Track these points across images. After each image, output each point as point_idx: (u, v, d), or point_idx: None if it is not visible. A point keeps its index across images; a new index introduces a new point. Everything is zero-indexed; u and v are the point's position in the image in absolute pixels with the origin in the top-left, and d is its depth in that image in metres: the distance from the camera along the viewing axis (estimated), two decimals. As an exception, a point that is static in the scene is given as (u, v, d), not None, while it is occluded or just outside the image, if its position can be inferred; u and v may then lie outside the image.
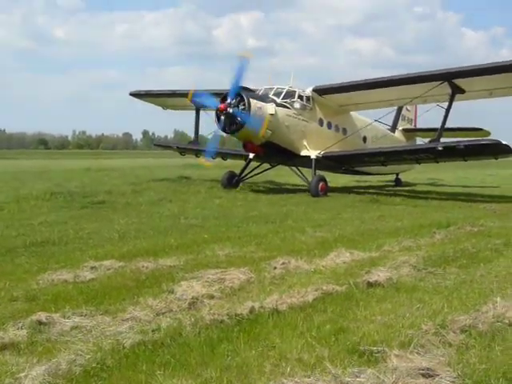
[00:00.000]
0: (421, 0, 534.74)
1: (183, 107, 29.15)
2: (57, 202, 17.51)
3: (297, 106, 22.50)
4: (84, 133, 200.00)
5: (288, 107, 22.08)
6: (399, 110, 30.83)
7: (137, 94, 30.39)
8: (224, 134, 22.05)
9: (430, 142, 22.61)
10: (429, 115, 28.85)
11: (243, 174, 24.56)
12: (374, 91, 22.47)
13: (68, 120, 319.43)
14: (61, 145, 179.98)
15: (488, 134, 30.04)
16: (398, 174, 31.32)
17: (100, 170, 38.21)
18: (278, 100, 21.88)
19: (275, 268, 8.60)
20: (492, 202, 20.27)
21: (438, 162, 22.72)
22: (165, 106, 31.47)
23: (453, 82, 20.63)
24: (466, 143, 20.26)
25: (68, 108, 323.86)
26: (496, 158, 21.36)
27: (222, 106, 20.11)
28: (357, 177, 30.84)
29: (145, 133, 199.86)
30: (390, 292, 7.45)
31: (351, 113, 25.81)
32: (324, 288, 7.35)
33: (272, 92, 22.28)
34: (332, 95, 23.46)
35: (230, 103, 20.12)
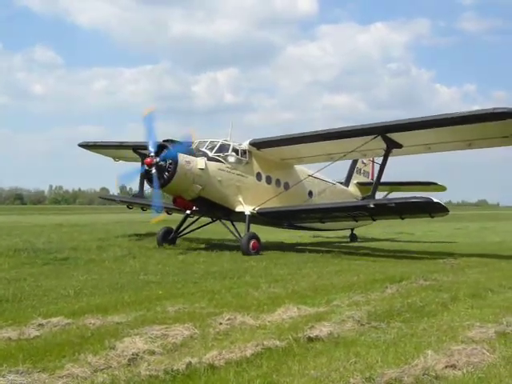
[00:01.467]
0: (395, 56, 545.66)
1: (134, 159, 27.58)
2: (20, 258, 17.52)
3: (231, 159, 22.02)
4: (61, 188, 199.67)
5: (221, 161, 21.60)
6: (354, 163, 30.61)
7: (85, 145, 29.91)
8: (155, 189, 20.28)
9: (363, 198, 22.70)
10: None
11: (180, 230, 23.62)
12: (311, 145, 22.27)
13: (44, 175, 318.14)
14: (37, 200, 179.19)
15: (442, 188, 29.82)
16: (352, 230, 30.49)
17: (72, 226, 38.26)
18: (211, 154, 21.42)
19: (220, 324, 8.75)
20: (453, 255, 20.62)
21: (374, 220, 22.32)
22: (116, 158, 30.74)
23: (387, 136, 20.40)
24: (397, 201, 20.00)
25: (44, 163, 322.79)
26: (432, 217, 20.79)
27: (147, 160, 19.57)
28: (318, 232, 29.81)
29: (122, 187, 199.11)
30: (329, 346, 7.65)
31: (298, 166, 25.26)
32: (265, 343, 7.53)
33: (205, 146, 21.81)
34: (270, 149, 23.06)
35: (156, 157, 19.53)
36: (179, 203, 21.51)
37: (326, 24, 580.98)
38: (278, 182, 23.71)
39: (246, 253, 19.56)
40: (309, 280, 14.01)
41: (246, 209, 21.76)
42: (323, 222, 23.26)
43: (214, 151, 21.52)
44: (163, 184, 19.73)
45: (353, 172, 30.85)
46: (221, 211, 22.31)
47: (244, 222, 22.09)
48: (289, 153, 23.41)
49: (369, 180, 31.47)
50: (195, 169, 20.27)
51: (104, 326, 8.62)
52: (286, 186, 24.05)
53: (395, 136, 20.35)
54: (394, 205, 19.29)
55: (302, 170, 25.41)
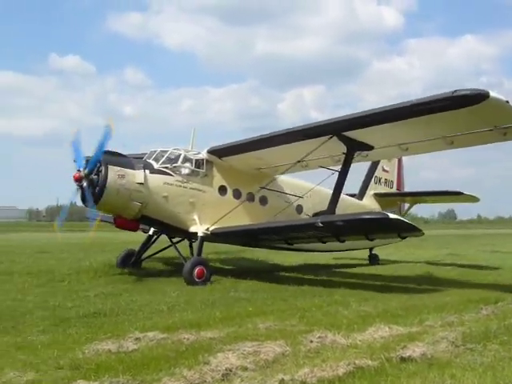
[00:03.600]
0: (486, 69, 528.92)
1: None
2: (114, 274, 18.21)
3: (184, 171, 18.46)
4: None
5: (169, 174, 18.09)
6: (370, 170, 26.45)
7: None
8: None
9: (314, 215, 19.44)
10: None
11: (143, 252, 20.44)
12: (276, 149, 18.09)
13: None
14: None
15: (473, 199, 25.16)
16: (371, 250, 26.32)
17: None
18: (156, 165, 18.01)
19: (311, 341, 8.79)
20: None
21: (341, 241, 17.65)
22: None
23: (344, 135, 16.76)
24: (346, 218, 16.43)
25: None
26: (401, 238, 17.39)
27: (76, 174, 16.57)
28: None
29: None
30: (423, 368, 7.52)
31: (284, 177, 21.09)
32: (356, 362, 7.50)
33: (153, 156, 18.47)
34: (232, 157, 19.08)
35: (85, 172, 16.59)
36: (120, 223, 18.19)
37: (412, 38, 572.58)
38: (250, 196, 19.64)
39: (189, 282, 16.22)
40: (399, 299, 13.80)
41: (200, 229, 18.06)
42: (291, 244, 19.12)
43: (160, 162, 18.14)
44: (94, 201, 16.61)
45: (369, 181, 26.35)
46: (174, 231, 19.20)
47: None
48: (254, 161, 19.48)
49: (392, 190, 27.36)
50: (131, 183, 17.09)
51: (198, 341, 8.84)
52: (263, 201, 20.26)
53: (356, 135, 16.71)
54: (341, 223, 15.89)
55: (289, 181, 21.47)
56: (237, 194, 19.49)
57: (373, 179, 26.32)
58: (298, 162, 18.50)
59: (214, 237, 18.44)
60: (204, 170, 18.85)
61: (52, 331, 9.62)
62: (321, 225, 15.84)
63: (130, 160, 17.78)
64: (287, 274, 19.94)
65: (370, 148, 17.43)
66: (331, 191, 21.05)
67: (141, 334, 9.12)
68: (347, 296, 14.25)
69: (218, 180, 19.21)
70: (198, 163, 18.81)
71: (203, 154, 19.10)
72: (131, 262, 19.78)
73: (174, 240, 19.96)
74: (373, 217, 15.77)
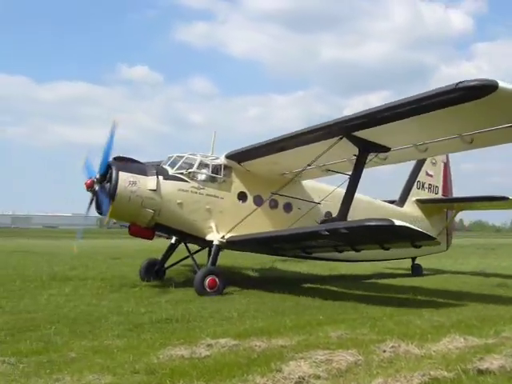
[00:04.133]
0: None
1: None
2: (184, 280, 18.48)
3: (200, 177, 17.77)
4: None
5: (184, 180, 17.44)
6: (413, 175, 25.05)
7: None
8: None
9: (322, 222, 18.00)
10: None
11: (166, 261, 19.79)
12: (290, 153, 17.06)
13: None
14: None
15: None
16: (414, 260, 24.74)
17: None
18: (171, 171, 17.45)
19: (384, 351, 8.67)
20: None
21: (357, 251, 16.61)
22: None
23: (355, 135, 15.54)
24: (350, 225, 15.01)
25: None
26: (416, 246, 15.19)
27: (87, 181, 16.46)
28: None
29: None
30: (502, 381, 7.31)
31: (310, 182, 20.11)
32: (431, 373, 7.36)
33: (169, 162, 17.93)
34: (251, 161, 18.06)
35: (96, 178, 16.42)
36: (134, 231, 17.69)
37: (482, 42, 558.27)
38: (273, 203, 18.92)
39: (200, 292, 15.57)
40: (473, 309, 13.46)
41: (216, 237, 17.29)
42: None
43: (175, 168, 17.55)
44: (105, 208, 16.27)
45: (411, 187, 24.73)
46: (192, 239, 18.56)
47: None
48: (272, 166, 18.39)
49: (437, 196, 25.50)
50: (143, 190, 16.61)
51: (269, 348, 8.87)
52: (287, 208, 19.27)
53: (367, 135, 15.45)
54: (345, 230, 14.62)
55: (317, 186, 20.26)
56: (258, 201, 18.45)
57: (415, 184, 24.80)
58: (308, 165, 17.41)
59: (230, 245, 17.74)
60: (222, 176, 18.12)
61: (127, 336, 9.83)
62: (326, 233, 14.93)
63: (143, 166, 17.33)
64: (353, 283, 19.71)
65: (385, 149, 16.24)
66: (367, 198, 21.35)
67: (212, 340, 9.21)
68: (418, 305, 14.02)
69: (238, 186, 18.39)
70: (216, 169, 18.12)
71: (221, 160, 18.37)
72: (155, 272, 19.23)
73: (197, 249, 19.50)
74: (377, 224, 14.23)
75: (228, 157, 18.25)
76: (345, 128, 15.16)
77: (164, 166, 17.61)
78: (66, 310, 12.48)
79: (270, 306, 13.44)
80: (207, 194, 17.69)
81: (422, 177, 25.09)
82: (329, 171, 19.05)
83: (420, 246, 15.25)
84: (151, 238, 18.34)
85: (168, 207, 17.02)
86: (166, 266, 19.71)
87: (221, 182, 18.06)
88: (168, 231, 18.38)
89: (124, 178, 16.33)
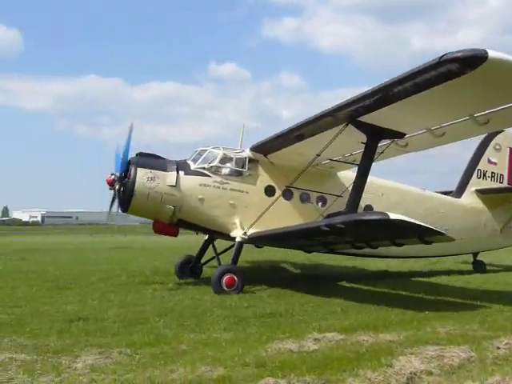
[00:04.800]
0: None
1: None
2: (282, 274, 18.62)
3: (224, 171, 17.10)
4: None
5: (206, 174, 16.82)
6: (473, 162, 22.65)
7: None
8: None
9: (327, 217, 16.08)
10: None
11: (201, 258, 19.06)
12: (309, 142, 15.82)
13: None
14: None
15: None
16: (475, 255, 22.30)
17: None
18: (193, 166, 16.92)
19: (498, 348, 8.38)
20: None
21: (372, 247, 14.92)
22: None
23: (360, 121, 14.15)
24: (346, 219, 13.41)
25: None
26: (425, 242, 13.36)
27: (108, 179, 16.40)
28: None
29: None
30: None
31: (346, 173, 18.45)
32: (552, 371, 7.04)
33: (193, 156, 17.36)
34: (277, 153, 17.12)
35: (116, 176, 16.25)
36: (158, 228, 17.35)
37: None
38: (304, 197, 17.71)
39: (218, 291, 14.90)
40: None
41: (238, 233, 16.46)
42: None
43: (198, 162, 16.99)
44: (125, 207, 16.37)
45: (470, 176, 22.22)
46: (219, 235, 17.89)
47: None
48: (297, 157, 16.98)
49: (502, 185, 22.60)
50: (162, 186, 16.30)
51: (377, 343, 8.78)
52: (321, 202, 17.92)
53: (375, 119, 13.91)
54: (343, 225, 13.34)
55: (352, 176, 17.79)
56: (288, 195, 17.26)
57: (475, 173, 22.22)
58: (318, 155, 15.84)
59: (253, 241, 17.04)
60: (247, 170, 17.30)
61: (233, 329, 10.02)
62: (326, 228, 13.82)
63: (164, 161, 16.91)
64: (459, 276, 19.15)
65: (399, 135, 14.64)
66: (416, 189, 19.83)
67: (319, 334, 9.24)
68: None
69: (265, 179, 17.38)
70: (240, 162, 17.34)
71: (246, 153, 17.56)
72: (189, 269, 18.72)
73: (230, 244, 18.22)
74: (369, 218, 13.12)
75: (253, 149, 17.47)
76: (348, 113, 13.87)
77: (187, 161, 17.11)
78: (172, 304, 12.84)
79: (375, 300, 13.28)
80: (231, 189, 16.99)
81: (483, 165, 22.52)
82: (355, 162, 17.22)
83: (431, 242, 13.48)
84: (175, 235, 17.73)
85: (189, 203, 16.56)
86: (201, 262, 19.05)
87: (246, 176, 17.25)
88: (192, 227, 17.83)
89: (142, 174, 16.14)
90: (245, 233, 16.31)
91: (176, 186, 16.40)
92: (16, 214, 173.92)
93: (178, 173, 16.53)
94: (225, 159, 17.17)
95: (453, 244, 15.26)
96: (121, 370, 7.26)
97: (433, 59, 10.60)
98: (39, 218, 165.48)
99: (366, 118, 13.83)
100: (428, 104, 12.61)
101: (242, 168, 17.26)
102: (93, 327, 10.14)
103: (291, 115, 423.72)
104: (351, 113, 13.71)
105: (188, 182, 16.59)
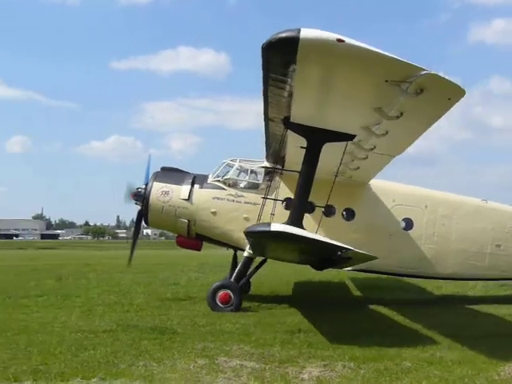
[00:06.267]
0: None
1: None
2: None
3: (240, 184, 16.41)
4: None
5: (221, 187, 16.24)
6: None
7: None
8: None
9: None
10: None
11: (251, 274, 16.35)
12: None
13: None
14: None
15: None
16: None
17: None
18: (210, 178, 16.43)
19: None
20: None
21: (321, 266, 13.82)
22: None
23: (294, 123, 12.54)
24: (248, 230, 12.55)
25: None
26: (345, 260, 11.83)
27: (131, 194, 16.68)
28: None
29: None
30: None
31: (380, 182, 16.68)
32: None
33: (215, 168, 16.81)
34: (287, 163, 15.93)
35: (138, 190, 16.59)
36: (180, 242, 17.17)
37: None
38: (329, 209, 15.65)
39: (212, 307, 14.27)
40: None
41: (247, 248, 15.11)
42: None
43: (214, 175, 16.54)
44: (146, 220, 16.76)
45: None
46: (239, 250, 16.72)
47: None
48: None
49: None
50: (176, 200, 16.20)
51: None
52: (349, 215, 16.37)
53: (306, 120, 12.48)
54: (249, 237, 12.97)
55: (394, 188, 16.93)
56: (309, 208, 15.14)
57: None
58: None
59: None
60: (263, 181, 16.38)
61: (458, 349, 9.66)
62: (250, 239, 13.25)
63: (181, 175, 16.76)
64: None
65: (348, 137, 12.50)
66: (474, 200, 17.21)
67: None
68: None
69: (283, 192, 16.02)
70: (257, 174, 16.66)
71: (264, 163, 16.59)
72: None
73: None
74: (254, 229, 12.15)
75: (269, 160, 16.51)
76: (282, 116, 12.58)
77: (207, 174, 16.75)
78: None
79: None
80: (245, 202, 16.19)
81: None
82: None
83: (349, 259, 11.96)
84: (198, 249, 17.33)
85: (201, 217, 16.22)
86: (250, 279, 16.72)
87: (263, 188, 16.08)
88: (210, 241, 17.15)
89: (157, 189, 16.26)
90: None
91: (189, 199, 16.27)
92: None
93: (192, 186, 16.36)
94: (240, 171, 16.74)
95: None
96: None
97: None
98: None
99: (299, 119, 12.46)
100: (332, 99, 11.02)
101: (258, 180, 16.60)
102: (314, 339, 10.36)
103: (503, 123, 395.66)
104: (285, 115, 12.45)
105: (201, 195, 16.34)
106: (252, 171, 16.69)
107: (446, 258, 16.01)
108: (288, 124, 12.70)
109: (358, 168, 14.87)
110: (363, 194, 16.55)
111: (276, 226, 11.38)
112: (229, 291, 14.55)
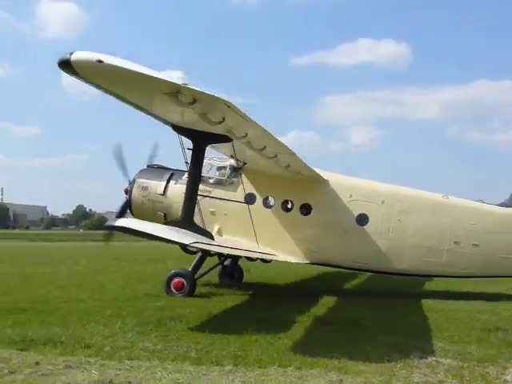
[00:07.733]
0: None
1: None
2: None
3: (209, 180, 17.18)
4: None
5: None
6: None
7: None
8: None
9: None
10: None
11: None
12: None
13: None
14: None
15: None
16: None
17: None
18: (186, 175, 16.11)
19: None
20: None
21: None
22: None
23: (177, 126, 13.24)
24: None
25: None
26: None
27: (124, 189, 18.22)
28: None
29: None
30: None
31: (338, 177, 17.04)
32: None
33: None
34: (251, 157, 16.11)
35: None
36: None
37: None
38: (286, 204, 16.79)
39: (167, 292, 15.51)
40: None
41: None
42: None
43: None
44: (131, 212, 17.99)
45: None
46: None
47: None
48: (271, 162, 15.47)
49: None
50: (153, 195, 17.49)
51: None
52: (305, 210, 16.69)
53: (187, 124, 13.07)
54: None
55: (353, 184, 17.01)
56: (267, 203, 16.94)
57: None
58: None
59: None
60: (227, 178, 17.34)
61: None
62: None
63: (161, 172, 17.94)
64: None
65: (226, 139, 13.13)
66: (435, 196, 16.75)
67: None
68: None
69: (246, 187, 16.75)
70: (223, 170, 17.54)
71: (230, 160, 17.25)
72: (228, 275, 19.41)
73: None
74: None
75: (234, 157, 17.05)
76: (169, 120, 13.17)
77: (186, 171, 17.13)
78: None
79: None
80: (211, 197, 17.09)
81: None
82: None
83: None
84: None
85: (175, 211, 16.48)
86: (239, 265, 19.62)
87: (227, 184, 17.30)
88: None
89: (138, 184, 17.65)
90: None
91: (164, 194, 17.44)
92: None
93: (168, 182, 17.55)
94: (210, 167, 17.53)
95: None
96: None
97: None
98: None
99: (181, 123, 13.10)
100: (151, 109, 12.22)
101: (224, 176, 17.47)
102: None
103: None
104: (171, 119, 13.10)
105: (175, 190, 17.24)
106: (218, 167, 17.82)
107: (401, 254, 16.07)
108: (174, 128, 13.58)
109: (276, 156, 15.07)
110: (321, 190, 16.92)
111: (120, 222, 12.43)
112: (183, 279, 15.77)
